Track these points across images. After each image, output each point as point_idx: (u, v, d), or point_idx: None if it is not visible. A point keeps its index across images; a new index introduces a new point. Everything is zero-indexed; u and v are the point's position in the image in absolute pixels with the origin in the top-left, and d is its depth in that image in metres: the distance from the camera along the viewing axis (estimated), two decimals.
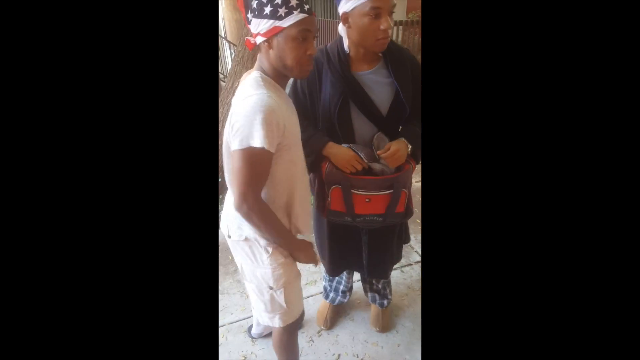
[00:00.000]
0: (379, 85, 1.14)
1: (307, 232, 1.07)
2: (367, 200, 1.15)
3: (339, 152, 1.13)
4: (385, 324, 1.62)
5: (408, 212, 1.25)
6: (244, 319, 1.71)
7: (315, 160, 1.19)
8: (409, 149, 1.16)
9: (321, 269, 1.99)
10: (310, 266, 2.01)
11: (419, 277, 1.92)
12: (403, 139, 1.15)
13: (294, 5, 0.81)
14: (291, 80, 1.21)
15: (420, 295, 1.81)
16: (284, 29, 0.82)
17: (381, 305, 1.62)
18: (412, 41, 5.42)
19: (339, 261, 1.43)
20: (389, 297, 1.62)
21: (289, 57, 0.85)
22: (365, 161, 1.12)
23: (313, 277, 1.96)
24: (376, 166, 1.14)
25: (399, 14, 6.15)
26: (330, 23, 4.79)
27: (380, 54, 1.14)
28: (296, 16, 0.81)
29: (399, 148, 1.12)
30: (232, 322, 1.70)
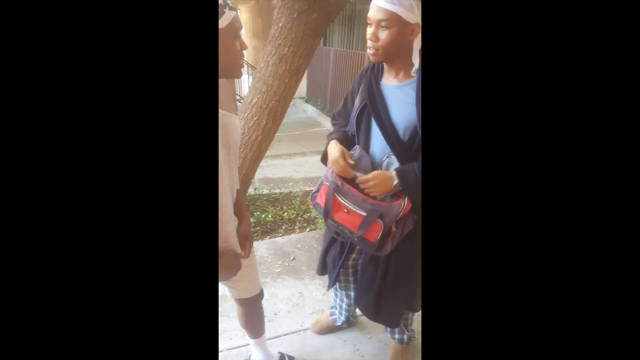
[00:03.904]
0: (402, 103, 1.04)
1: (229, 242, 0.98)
2: (345, 211, 1.13)
3: (330, 151, 1.13)
4: None
5: (380, 246, 1.11)
6: (243, 345, 1.53)
7: (325, 154, 1.21)
8: (394, 184, 1.05)
9: (305, 300, 1.86)
10: (292, 295, 1.86)
11: None
12: (393, 172, 1.06)
13: (222, 4, 0.78)
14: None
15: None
16: (220, 30, 0.78)
17: (400, 341, 1.43)
18: None
19: (323, 260, 1.38)
20: (409, 331, 1.42)
21: (228, 57, 0.82)
22: (351, 162, 1.09)
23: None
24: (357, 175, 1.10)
25: None
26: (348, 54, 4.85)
27: (413, 74, 1.04)
28: (229, 14, 0.78)
29: (376, 179, 1.05)
30: (231, 349, 1.52)
